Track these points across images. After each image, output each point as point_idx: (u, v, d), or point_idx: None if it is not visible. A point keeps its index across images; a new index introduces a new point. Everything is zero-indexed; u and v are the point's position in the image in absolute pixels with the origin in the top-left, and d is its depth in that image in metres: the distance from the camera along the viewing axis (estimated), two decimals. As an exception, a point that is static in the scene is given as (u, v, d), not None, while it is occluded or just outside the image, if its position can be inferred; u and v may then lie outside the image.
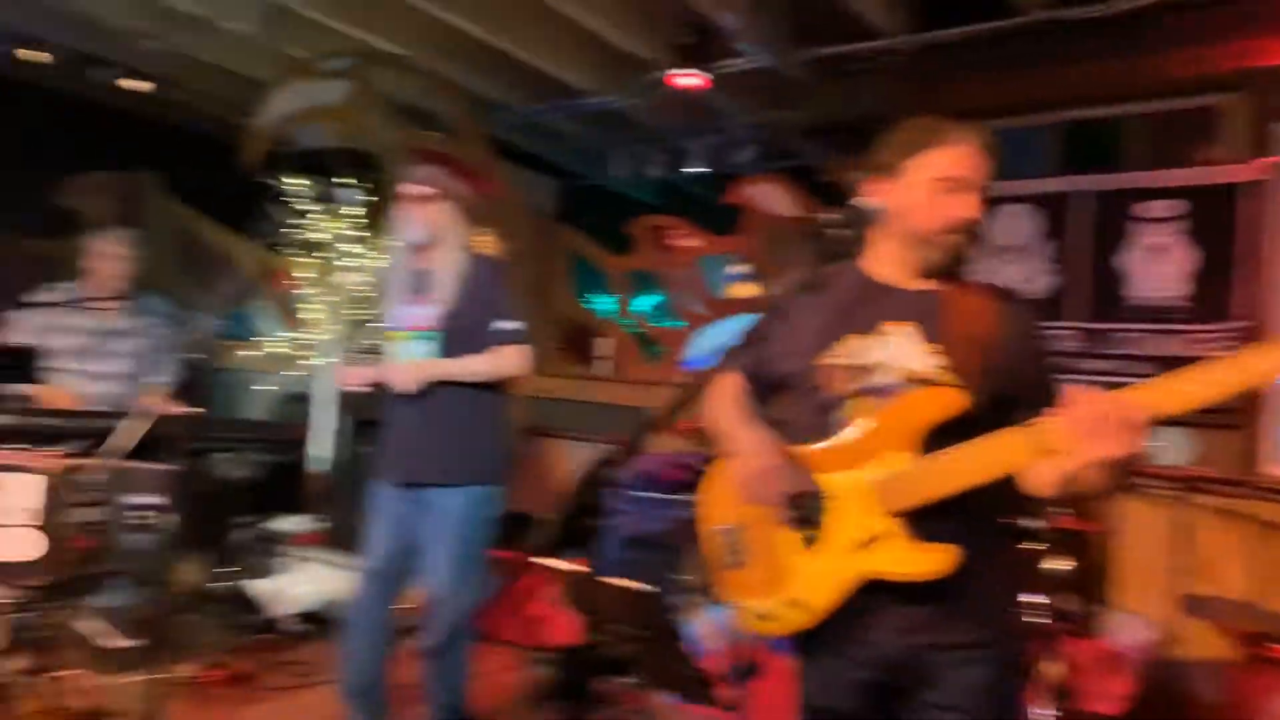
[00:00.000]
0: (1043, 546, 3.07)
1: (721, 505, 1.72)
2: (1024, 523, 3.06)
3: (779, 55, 4.69)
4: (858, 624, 1.58)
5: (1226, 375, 1.28)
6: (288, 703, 3.43)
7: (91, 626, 3.58)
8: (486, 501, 2.94)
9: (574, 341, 5.84)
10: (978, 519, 1.55)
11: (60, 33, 5.49)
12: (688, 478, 4.17)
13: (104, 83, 5.91)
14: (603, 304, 6.33)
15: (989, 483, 1.46)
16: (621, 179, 7.29)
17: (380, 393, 2.97)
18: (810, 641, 1.65)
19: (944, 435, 1.50)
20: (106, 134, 6.25)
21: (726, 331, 5.39)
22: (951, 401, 1.50)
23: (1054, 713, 2.92)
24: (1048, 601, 2.99)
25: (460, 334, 2.91)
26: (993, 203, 4.33)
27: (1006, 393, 1.53)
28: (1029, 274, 4.35)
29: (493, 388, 2.96)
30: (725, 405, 1.78)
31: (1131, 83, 4.22)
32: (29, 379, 3.32)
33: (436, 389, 2.87)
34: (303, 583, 4.37)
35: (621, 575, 4.20)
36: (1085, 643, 3.30)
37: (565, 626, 4.24)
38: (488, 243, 5.59)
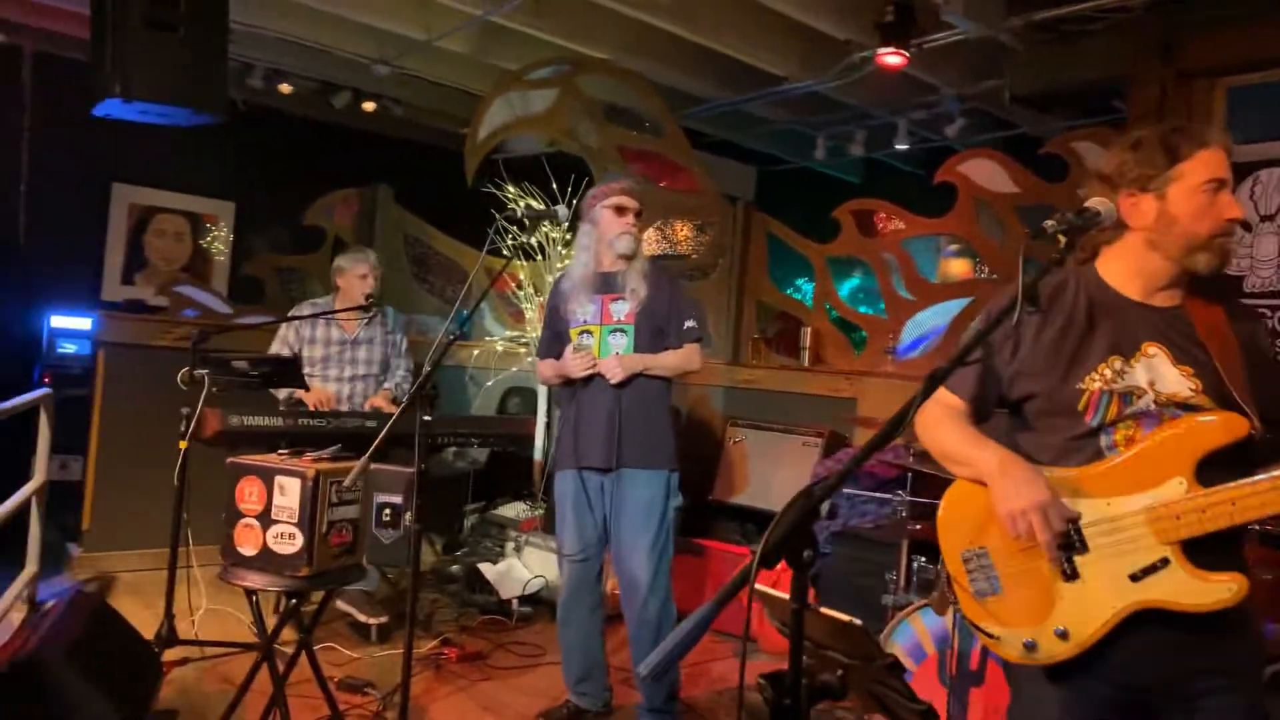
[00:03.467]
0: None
1: (966, 527, 1.65)
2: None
3: (991, 23, 4.42)
4: (1117, 646, 1.53)
5: None
6: (515, 681, 3.68)
7: (348, 609, 4.03)
8: (674, 486, 3.14)
9: (780, 331, 5.82)
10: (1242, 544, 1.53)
11: (302, 65, 6.11)
12: (899, 475, 4.07)
13: (343, 106, 6.52)
14: (807, 291, 6.26)
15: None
16: (825, 162, 7.15)
17: (575, 382, 3.17)
18: (1061, 662, 1.58)
19: (1217, 462, 1.47)
20: (345, 153, 6.89)
21: (936, 317, 5.21)
22: (1235, 428, 1.48)
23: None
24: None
25: (649, 329, 3.14)
26: (1249, 168, 3.93)
27: (1268, 415, 1.50)
28: (1290, 246, 3.87)
29: (668, 380, 3.19)
30: (949, 426, 1.69)
31: None
32: (293, 384, 3.76)
33: (632, 379, 3.09)
34: (526, 566, 4.66)
35: (827, 570, 4.21)
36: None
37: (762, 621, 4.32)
38: (686, 233, 5.69)
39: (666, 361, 3.14)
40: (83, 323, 5.73)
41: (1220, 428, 1.49)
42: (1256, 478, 1.43)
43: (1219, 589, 1.45)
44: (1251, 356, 1.57)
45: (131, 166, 6.42)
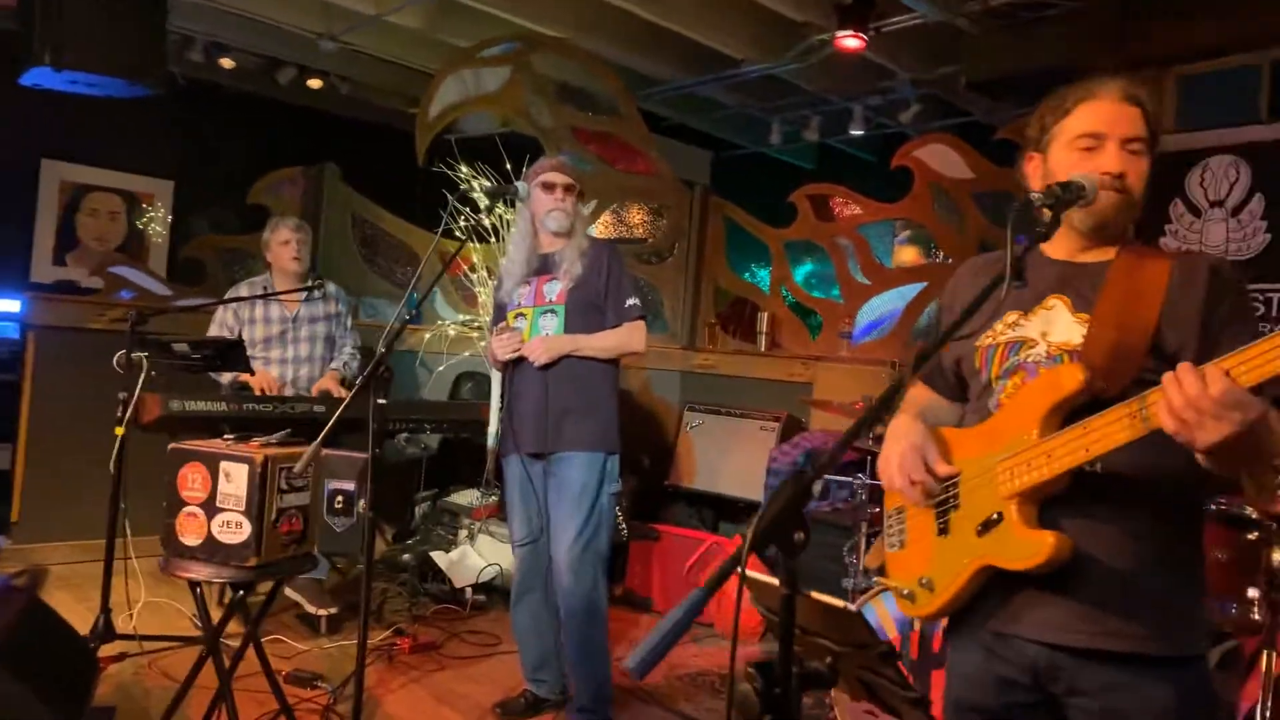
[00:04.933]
0: (1255, 535, 2.83)
1: (886, 490, 1.71)
2: (1243, 511, 2.84)
3: (949, 8, 4.42)
4: (1004, 617, 1.48)
5: None
6: (470, 670, 3.61)
7: (297, 597, 3.91)
8: (611, 470, 3.05)
9: (735, 316, 5.80)
10: (1140, 505, 1.41)
11: (246, 39, 5.89)
12: (857, 459, 4.07)
13: (287, 83, 6.31)
14: (763, 276, 6.24)
15: (1133, 461, 1.32)
16: (779, 147, 7.13)
17: (510, 367, 3.09)
18: (957, 631, 1.60)
19: (1081, 413, 1.37)
20: (290, 131, 6.68)
21: (890, 302, 5.22)
22: (1064, 381, 1.40)
23: (1269, 709, 2.70)
24: (1262, 594, 2.76)
25: (582, 308, 3.03)
26: (1198, 154, 3.99)
27: (1164, 365, 1.35)
28: (1239, 232, 3.95)
29: (608, 361, 3.08)
30: (907, 398, 1.78)
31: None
32: (237, 368, 3.62)
33: (562, 360, 3.00)
34: (480, 554, 4.57)
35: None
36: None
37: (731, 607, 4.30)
38: (640, 216, 5.63)
39: (600, 343, 3.03)
40: (11, 305, 5.47)
41: (1051, 383, 1.42)
42: (1071, 426, 1.36)
43: (1034, 546, 1.37)
44: (1176, 310, 1.44)
45: (63, 142, 6.14)
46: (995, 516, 1.43)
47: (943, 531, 1.54)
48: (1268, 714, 2.71)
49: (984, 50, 4.89)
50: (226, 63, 6.06)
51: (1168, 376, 1.19)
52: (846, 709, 2.78)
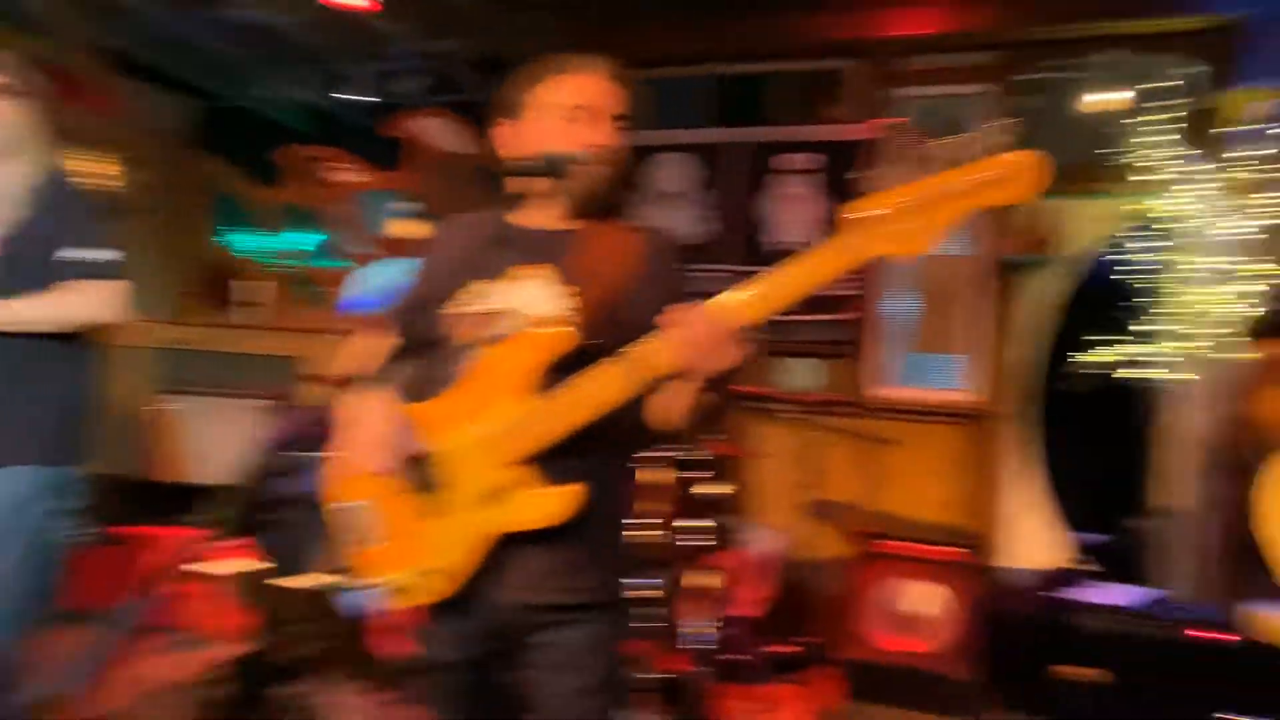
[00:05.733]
0: (705, 474, 3.33)
1: (342, 481, 1.59)
2: (684, 454, 3.31)
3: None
4: (484, 580, 1.50)
5: (809, 265, 1.38)
6: None
7: None
8: (50, 487, 2.31)
9: (210, 285, 5.27)
10: (598, 459, 1.51)
11: None
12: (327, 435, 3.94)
13: None
14: (246, 242, 5.75)
15: (602, 419, 1.42)
16: (269, 101, 6.59)
17: None
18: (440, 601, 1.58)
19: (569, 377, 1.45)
20: None
21: (387, 273, 5.15)
22: (552, 343, 1.46)
23: (713, 622, 3.18)
24: (710, 524, 3.26)
25: (24, 264, 2.27)
26: (653, 150, 4.58)
27: (636, 331, 1.47)
28: (687, 220, 4.60)
29: (64, 338, 2.31)
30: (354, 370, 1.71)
31: (772, 42, 4.56)
32: None
33: None
34: None
35: (290, 541, 3.93)
36: (731, 555, 3.60)
37: (202, 607, 3.90)
38: (99, 166, 4.84)
39: (24, 312, 2.24)
40: None
41: (534, 345, 1.47)
42: (565, 385, 1.44)
43: (554, 502, 1.44)
44: (639, 277, 1.57)
45: None
46: (502, 483, 1.43)
47: (433, 513, 1.48)
48: (709, 630, 3.20)
49: (477, 27, 5.02)
50: None
51: (683, 317, 1.30)
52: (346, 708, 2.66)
